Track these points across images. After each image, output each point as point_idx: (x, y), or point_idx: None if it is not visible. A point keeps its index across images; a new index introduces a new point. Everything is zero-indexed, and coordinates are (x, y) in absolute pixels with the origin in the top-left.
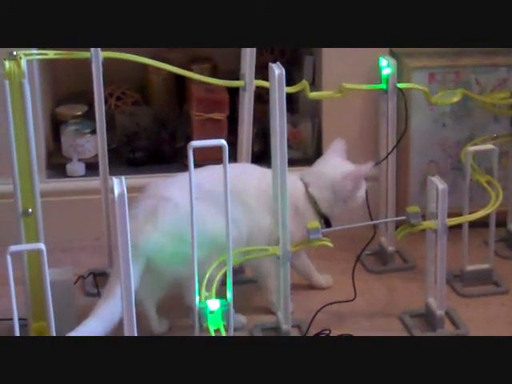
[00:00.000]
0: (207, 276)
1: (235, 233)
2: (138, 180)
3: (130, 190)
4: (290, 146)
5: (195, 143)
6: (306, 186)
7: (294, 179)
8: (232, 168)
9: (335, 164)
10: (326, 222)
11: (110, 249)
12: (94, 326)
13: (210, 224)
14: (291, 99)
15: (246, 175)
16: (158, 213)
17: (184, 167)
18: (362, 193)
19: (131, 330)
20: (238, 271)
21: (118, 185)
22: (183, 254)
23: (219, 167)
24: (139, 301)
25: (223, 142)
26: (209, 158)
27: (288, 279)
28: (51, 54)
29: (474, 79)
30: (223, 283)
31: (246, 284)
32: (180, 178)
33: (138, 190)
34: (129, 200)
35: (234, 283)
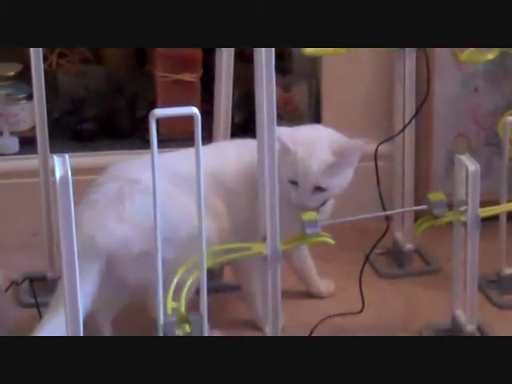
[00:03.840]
0: (175, 282)
1: (216, 226)
2: (87, 159)
3: (77, 171)
4: (280, 116)
5: (159, 112)
6: None
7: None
8: (206, 148)
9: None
10: None
11: (50, 247)
12: None
13: (187, 215)
14: (282, 56)
15: (223, 152)
16: (124, 199)
17: (146, 143)
18: (280, 169)
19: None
20: (215, 275)
21: (61, 164)
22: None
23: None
24: (93, 312)
25: (195, 109)
26: (178, 131)
27: (278, 285)
28: None
29: None
30: (197, 291)
31: (225, 291)
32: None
33: (88, 171)
34: (75, 184)
35: (210, 290)
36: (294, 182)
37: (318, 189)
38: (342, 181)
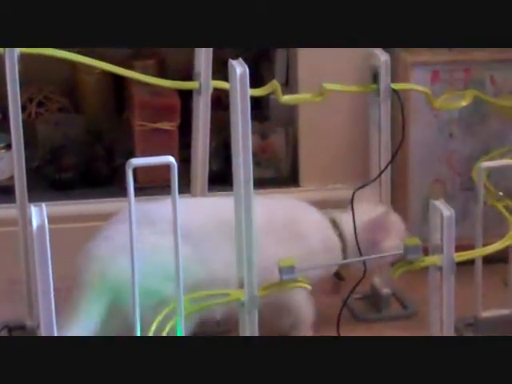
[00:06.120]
0: (153, 329)
1: (202, 274)
2: (66, 207)
3: (56, 219)
4: (258, 163)
5: (136, 161)
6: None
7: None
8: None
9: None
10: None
11: (29, 295)
12: None
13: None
14: (260, 104)
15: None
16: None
17: (125, 191)
18: (389, 243)
19: None
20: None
21: (38, 214)
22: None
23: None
24: None
25: (171, 159)
26: (156, 178)
27: (255, 331)
28: None
29: (488, 77)
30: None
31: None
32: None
33: (67, 219)
34: (55, 232)
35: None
36: None
37: None
38: None
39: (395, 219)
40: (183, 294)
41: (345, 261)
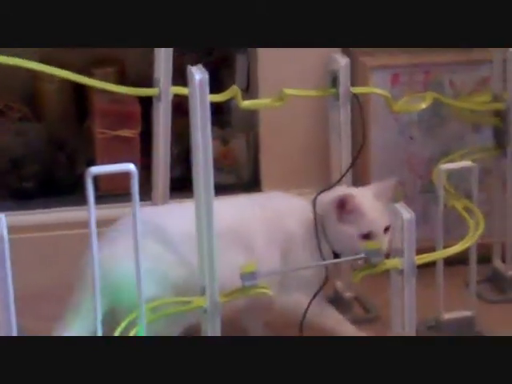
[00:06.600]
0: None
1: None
2: (28, 217)
3: (18, 229)
4: (220, 169)
5: (95, 169)
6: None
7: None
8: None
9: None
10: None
11: None
12: None
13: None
14: (220, 110)
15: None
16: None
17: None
18: (347, 231)
19: None
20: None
21: None
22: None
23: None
24: None
25: (131, 166)
26: (118, 186)
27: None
28: None
29: (447, 80)
30: None
31: None
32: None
33: (28, 229)
34: (17, 242)
35: None
36: (366, 236)
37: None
38: None
39: (364, 207)
40: None
41: (309, 265)
